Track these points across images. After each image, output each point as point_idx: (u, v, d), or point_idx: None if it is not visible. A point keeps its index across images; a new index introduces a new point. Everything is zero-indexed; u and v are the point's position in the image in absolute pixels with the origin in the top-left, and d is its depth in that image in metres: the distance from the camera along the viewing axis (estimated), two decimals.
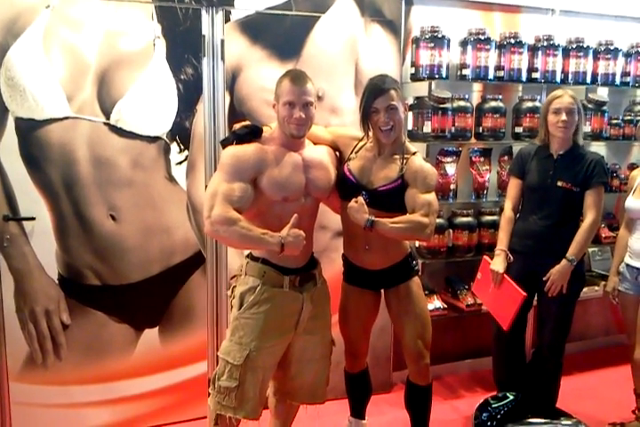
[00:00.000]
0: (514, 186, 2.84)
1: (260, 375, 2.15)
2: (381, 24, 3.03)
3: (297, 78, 2.13)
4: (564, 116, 2.64)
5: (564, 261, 2.63)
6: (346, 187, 2.31)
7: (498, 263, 2.74)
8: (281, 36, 2.85)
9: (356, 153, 2.36)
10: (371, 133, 2.35)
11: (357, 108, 2.94)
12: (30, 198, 2.61)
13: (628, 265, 2.75)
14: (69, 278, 2.73)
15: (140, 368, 2.90)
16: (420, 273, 2.48)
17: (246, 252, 2.29)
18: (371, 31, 3.01)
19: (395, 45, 3.07)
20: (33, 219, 2.62)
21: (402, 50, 3.12)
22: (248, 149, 2.12)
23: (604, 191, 2.70)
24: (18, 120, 2.53)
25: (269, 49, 2.84)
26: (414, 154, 2.33)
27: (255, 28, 2.80)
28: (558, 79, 3.41)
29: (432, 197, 2.26)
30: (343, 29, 2.96)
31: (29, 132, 2.55)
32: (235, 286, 2.20)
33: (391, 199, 2.27)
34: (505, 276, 2.71)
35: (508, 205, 2.82)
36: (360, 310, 2.50)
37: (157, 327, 2.90)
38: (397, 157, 2.31)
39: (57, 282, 2.71)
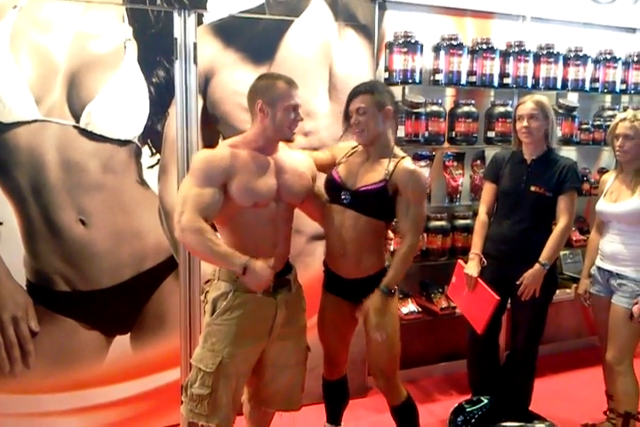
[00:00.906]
0: (488, 190, 2.84)
1: (234, 382, 2.10)
2: (355, 28, 3.01)
3: (291, 82, 2.11)
4: (524, 122, 2.66)
5: (536, 266, 2.63)
6: (331, 187, 2.31)
7: (472, 267, 2.73)
8: (254, 40, 2.81)
9: (347, 157, 2.37)
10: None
11: (330, 112, 2.97)
12: None
13: (599, 268, 2.75)
14: (38, 284, 2.64)
15: (112, 376, 2.82)
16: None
17: None
18: (344, 35, 2.99)
19: (368, 50, 3.05)
20: (0, 224, 2.54)
21: (375, 55, 3.11)
22: (219, 154, 2.07)
23: (577, 196, 2.70)
24: None
25: (243, 52, 2.79)
26: (403, 158, 2.29)
27: (228, 32, 2.76)
28: (529, 84, 3.43)
29: (422, 208, 2.26)
30: (317, 33, 2.93)
31: None
32: (207, 291, 2.14)
33: (371, 201, 2.23)
34: (479, 280, 2.70)
35: (482, 210, 2.82)
36: (336, 319, 2.46)
37: (129, 334, 2.83)
38: (385, 160, 2.27)
39: (25, 288, 2.62)
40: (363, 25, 3.02)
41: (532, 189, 2.67)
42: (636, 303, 2.54)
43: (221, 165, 2.03)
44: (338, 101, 3.01)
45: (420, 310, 3.26)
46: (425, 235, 3.25)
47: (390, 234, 2.42)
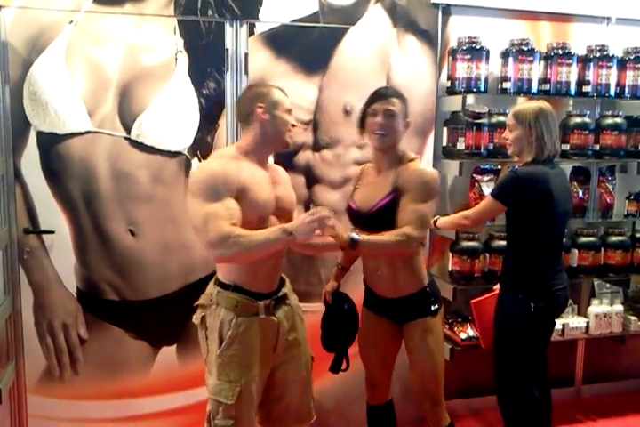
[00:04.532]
0: None
1: (255, 405, 2.15)
2: (416, 35, 2.99)
3: (284, 89, 2.18)
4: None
5: None
6: (351, 217, 2.37)
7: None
8: (307, 49, 2.87)
9: (358, 182, 2.43)
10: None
11: None
12: (50, 212, 2.72)
13: None
14: (87, 293, 2.82)
15: (158, 386, 2.95)
16: (436, 314, 2.37)
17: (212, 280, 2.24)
18: (404, 42, 2.98)
19: (430, 57, 3.03)
20: (52, 232, 2.73)
21: (438, 62, 3.08)
22: (223, 168, 2.03)
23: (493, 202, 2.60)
24: (40, 134, 2.65)
25: (295, 62, 2.86)
26: (411, 160, 2.28)
27: (280, 41, 2.83)
28: (612, 93, 3.27)
29: (428, 208, 2.20)
30: (374, 41, 2.95)
31: (51, 146, 2.67)
32: (204, 316, 2.15)
33: (386, 217, 2.21)
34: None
35: None
36: (377, 338, 2.48)
37: (175, 345, 2.95)
38: (393, 170, 2.28)
39: (75, 296, 2.81)
40: (424, 30, 3.01)
41: None
42: None
43: (230, 179, 2.01)
44: None
45: (478, 336, 3.16)
46: (487, 255, 3.17)
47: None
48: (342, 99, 2.94)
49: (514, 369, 2.62)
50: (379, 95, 2.27)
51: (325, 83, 2.92)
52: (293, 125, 2.16)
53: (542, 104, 2.57)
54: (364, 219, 2.29)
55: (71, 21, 2.60)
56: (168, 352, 2.95)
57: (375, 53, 2.96)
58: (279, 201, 2.16)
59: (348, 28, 2.91)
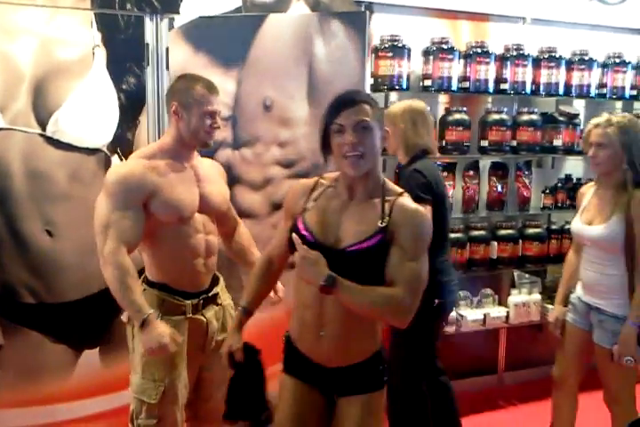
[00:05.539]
0: None
1: (179, 405, 2.17)
2: (343, 22, 2.87)
3: (211, 86, 2.14)
4: None
5: None
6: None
7: None
8: (225, 41, 2.82)
9: (314, 201, 1.81)
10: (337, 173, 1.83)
11: (310, 118, 2.95)
12: None
13: (579, 298, 2.56)
14: (2, 296, 2.74)
15: (81, 391, 2.90)
16: (383, 387, 1.86)
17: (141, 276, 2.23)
18: (329, 30, 2.88)
19: (358, 46, 2.85)
20: None
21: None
22: (136, 171, 2.05)
23: None
24: None
25: (212, 55, 2.82)
26: (400, 195, 1.77)
27: (198, 34, 2.81)
28: (528, 90, 3.45)
29: (423, 265, 1.70)
30: (293, 29, 2.87)
31: None
32: None
33: (365, 263, 1.69)
34: None
35: None
36: (305, 413, 1.87)
37: (98, 348, 2.92)
38: (376, 201, 1.75)
39: None
40: (353, 14, 2.98)
41: None
42: (616, 343, 2.36)
43: (141, 183, 2.03)
44: (319, 106, 2.96)
45: None
46: None
47: None
48: (262, 93, 2.86)
49: (410, 367, 2.64)
50: (343, 103, 1.71)
51: (244, 76, 2.86)
52: (214, 127, 2.12)
53: (412, 102, 2.64)
54: (331, 258, 1.67)
55: None
56: (90, 355, 2.92)
57: (295, 42, 2.87)
58: (205, 199, 2.17)
59: (265, 17, 2.83)
